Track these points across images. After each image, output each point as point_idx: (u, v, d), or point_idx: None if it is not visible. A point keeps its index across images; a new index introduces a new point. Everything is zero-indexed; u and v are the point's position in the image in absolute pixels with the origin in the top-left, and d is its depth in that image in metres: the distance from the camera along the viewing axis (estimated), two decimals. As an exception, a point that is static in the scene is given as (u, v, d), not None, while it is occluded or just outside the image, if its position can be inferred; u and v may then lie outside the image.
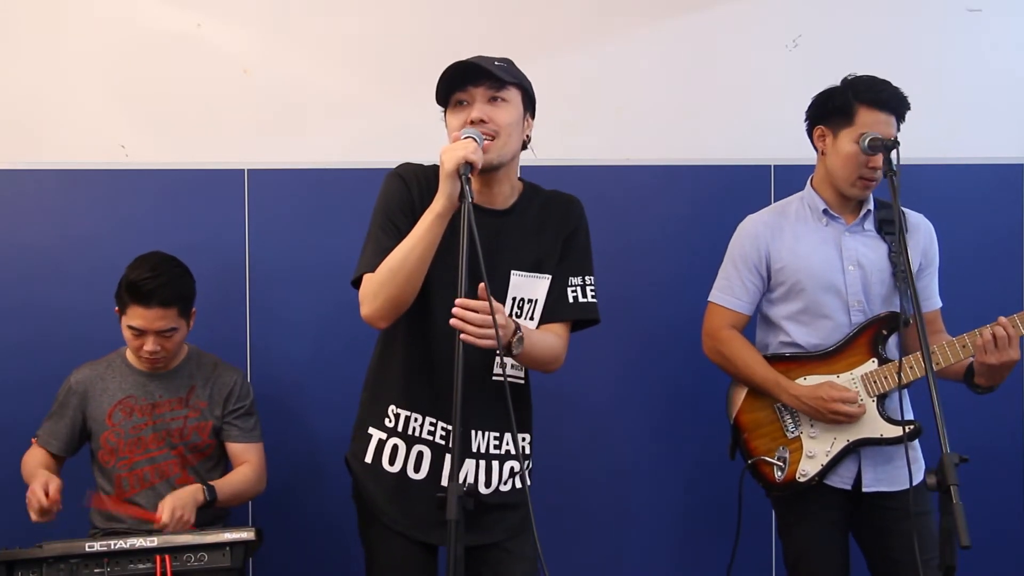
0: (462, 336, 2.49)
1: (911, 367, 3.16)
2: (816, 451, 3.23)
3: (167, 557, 3.01)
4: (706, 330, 3.41)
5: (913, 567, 2.93)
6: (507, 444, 2.86)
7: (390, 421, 2.85)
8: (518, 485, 2.88)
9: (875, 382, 3.21)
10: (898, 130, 3.22)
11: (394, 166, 2.89)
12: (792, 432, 3.27)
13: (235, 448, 3.52)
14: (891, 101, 3.20)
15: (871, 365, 3.22)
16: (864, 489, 3.22)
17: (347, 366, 3.88)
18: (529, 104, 2.84)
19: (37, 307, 3.87)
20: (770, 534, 3.98)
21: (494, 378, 2.82)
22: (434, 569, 2.92)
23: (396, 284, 2.67)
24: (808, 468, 3.23)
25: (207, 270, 3.64)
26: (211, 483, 3.37)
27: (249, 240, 3.92)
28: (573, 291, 2.91)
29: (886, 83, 3.23)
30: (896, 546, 3.15)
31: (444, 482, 2.78)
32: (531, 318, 2.87)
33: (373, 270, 2.72)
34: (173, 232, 3.73)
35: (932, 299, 3.39)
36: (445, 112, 2.82)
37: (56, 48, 3.97)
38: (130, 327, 3.36)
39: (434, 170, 2.80)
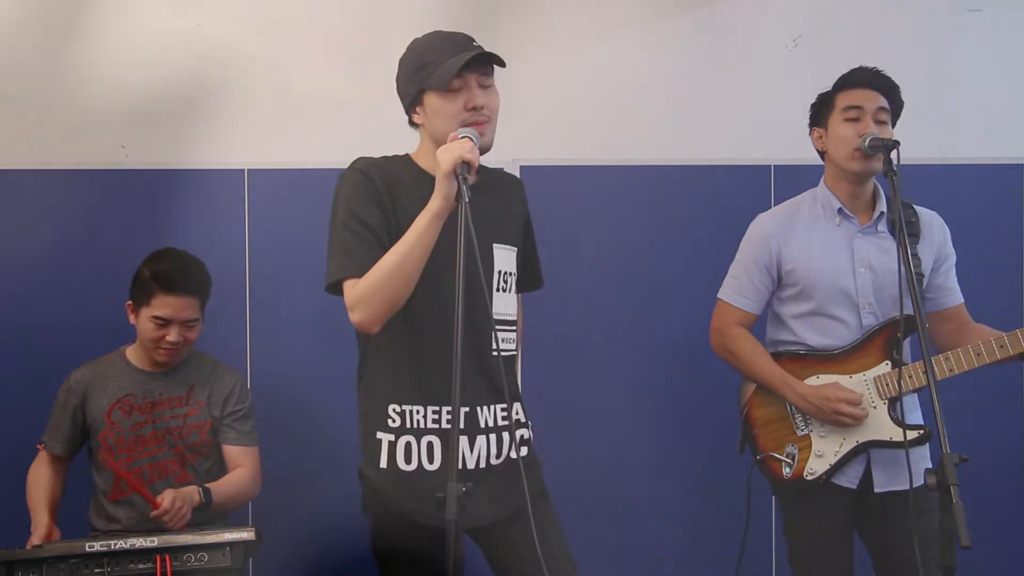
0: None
1: (924, 371, 3.15)
2: (825, 450, 3.23)
3: (167, 557, 3.01)
4: (714, 327, 3.41)
5: (927, 559, 2.93)
6: (516, 414, 2.88)
7: (393, 421, 2.82)
8: (524, 452, 2.88)
9: (887, 384, 3.21)
10: (892, 104, 3.25)
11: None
12: (802, 430, 3.27)
13: (231, 451, 3.51)
14: (860, 75, 3.26)
15: (884, 367, 3.22)
16: (876, 490, 3.21)
17: (347, 366, 3.86)
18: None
19: (37, 307, 3.87)
20: (771, 534, 3.98)
21: (494, 354, 2.80)
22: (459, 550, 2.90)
23: (393, 288, 2.65)
24: (816, 467, 3.23)
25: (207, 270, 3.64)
26: (207, 485, 3.37)
27: (249, 240, 3.92)
28: (539, 261, 3.05)
29: (857, 67, 3.30)
30: (902, 544, 3.14)
31: (460, 465, 2.76)
32: (512, 291, 2.90)
33: (358, 274, 2.68)
34: (173, 232, 3.73)
35: (953, 294, 3.37)
36: (421, 94, 2.79)
37: (56, 48, 3.97)
38: (155, 317, 3.36)
39: (385, 161, 2.83)
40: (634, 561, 4.05)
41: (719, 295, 3.41)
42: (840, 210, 3.30)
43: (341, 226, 2.74)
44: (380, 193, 2.75)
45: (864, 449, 3.21)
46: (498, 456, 2.83)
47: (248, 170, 3.93)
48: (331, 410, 3.84)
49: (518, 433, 2.87)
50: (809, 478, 3.23)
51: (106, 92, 3.97)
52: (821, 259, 3.28)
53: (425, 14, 4.03)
